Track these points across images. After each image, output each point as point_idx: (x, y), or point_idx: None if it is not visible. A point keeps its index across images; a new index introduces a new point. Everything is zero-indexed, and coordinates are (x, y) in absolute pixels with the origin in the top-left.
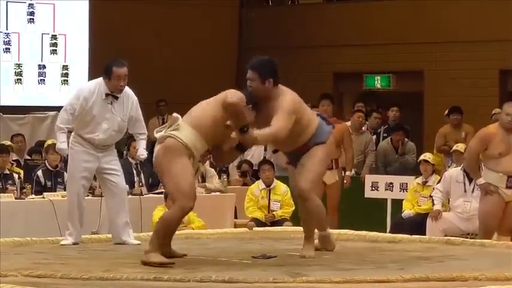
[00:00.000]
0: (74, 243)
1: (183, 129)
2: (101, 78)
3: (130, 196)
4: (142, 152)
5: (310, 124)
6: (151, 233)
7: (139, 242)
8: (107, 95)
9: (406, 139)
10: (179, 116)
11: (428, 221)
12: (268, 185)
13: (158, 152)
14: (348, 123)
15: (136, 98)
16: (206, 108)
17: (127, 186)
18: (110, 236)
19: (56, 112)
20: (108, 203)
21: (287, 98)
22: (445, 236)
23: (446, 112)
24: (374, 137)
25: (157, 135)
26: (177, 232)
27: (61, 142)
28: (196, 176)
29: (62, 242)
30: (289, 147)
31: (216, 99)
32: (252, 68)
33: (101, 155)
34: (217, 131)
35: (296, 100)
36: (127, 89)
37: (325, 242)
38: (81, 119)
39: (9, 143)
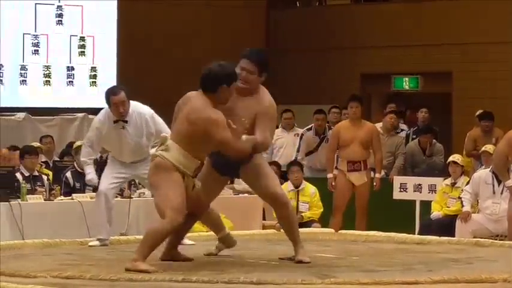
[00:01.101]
0: (102, 244)
1: (171, 149)
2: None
3: None
4: None
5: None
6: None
7: (193, 243)
8: (115, 121)
9: (434, 140)
10: (167, 136)
11: (458, 222)
12: (296, 186)
13: (150, 170)
14: (380, 125)
15: (150, 112)
16: (190, 127)
17: None
18: (138, 237)
19: (84, 114)
20: None
21: (272, 102)
22: (474, 237)
23: (477, 113)
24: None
25: (151, 151)
26: (206, 234)
27: (88, 173)
28: (194, 191)
29: (90, 243)
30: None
31: (199, 116)
32: (251, 60)
33: (137, 164)
34: (206, 146)
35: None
36: (137, 107)
37: (228, 239)
38: (105, 146)
39: (38, 144)
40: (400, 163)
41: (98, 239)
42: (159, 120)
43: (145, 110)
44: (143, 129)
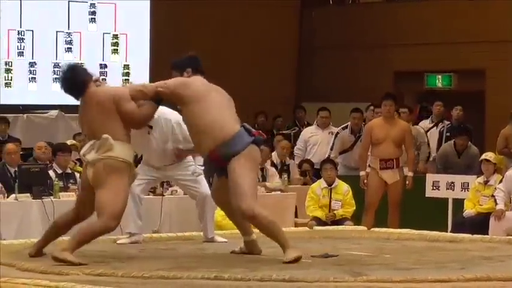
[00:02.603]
0: (133, 241)
1: (117, 146)
2: None
3: None
4: (194, 170)
5: (212, 125)
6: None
7: (225, 240)
8: None
9: (469, 143)
10: (109, 136)
11: (491, 220)
12: (329, 184)
13: (99, 170)
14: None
15: (176, 118)
16: (106, 119)
17: (205, 189)
18: (171, 234)
19: None
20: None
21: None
22: (508, 235)
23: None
24: (434, 132)
25: (88, 157)
26: (237, 231)
27: None
28: (131, 182)
29: (119, 241)
30: (200, 150)
31: (104, 107)
32: (171, 69)
33: (168, 167)
34: (128, 127)
35: (187, 83)
36: (164, 113)
37: (252, 246)
38: (135, 150)
39: (74, 141)
40: (425, 152)
41: (128, 233)
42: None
43: (172, 116)
44: (169, 135)
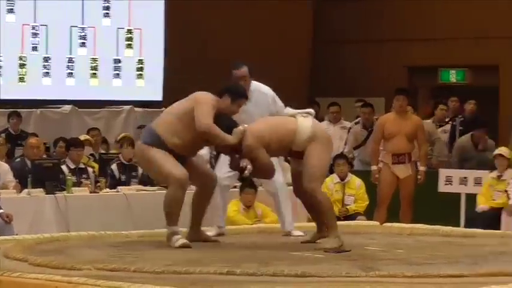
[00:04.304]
0: (218, 233)
1: None
2: None
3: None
4: None
5: None
6: None
7: (302, 234)
8: None
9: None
10: None
11: (504, 215)
12: (342, 178)
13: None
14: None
15: (272, 94)
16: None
17: (280, 181)
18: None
19: (130, 106)
20: None
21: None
22: None
23: None
24: (447, 127)
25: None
26: (249, 226)
27: None
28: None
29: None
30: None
31: None
32: (240, 96)
33: None
34: None
35: None
36: (260, 87)
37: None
38: None
39: (87, 137)
40: (439, 148)
41: (218, 226)
42: (280, 102)
43: (268, 90)
44: (265, 108)
